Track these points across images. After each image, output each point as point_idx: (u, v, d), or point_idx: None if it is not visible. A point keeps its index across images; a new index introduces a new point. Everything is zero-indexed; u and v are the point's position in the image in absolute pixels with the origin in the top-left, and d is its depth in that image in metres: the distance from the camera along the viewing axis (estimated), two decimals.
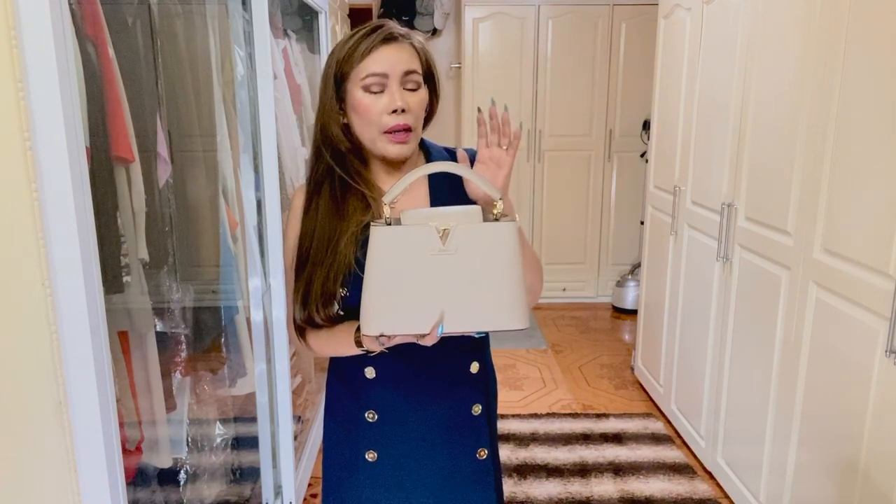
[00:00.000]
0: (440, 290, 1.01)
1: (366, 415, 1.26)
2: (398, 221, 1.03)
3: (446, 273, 1.01)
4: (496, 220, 1.03)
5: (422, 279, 1.01)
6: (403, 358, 1.21)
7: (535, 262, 1.25)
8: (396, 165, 1.23)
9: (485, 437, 1.30)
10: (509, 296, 1.02)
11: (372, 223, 1.04)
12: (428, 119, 1.27)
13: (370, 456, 1.26)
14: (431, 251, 1.00)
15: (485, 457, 1.30)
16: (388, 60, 1.14)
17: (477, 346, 1.30)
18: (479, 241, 1.01)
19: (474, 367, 1.29)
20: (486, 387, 1.32)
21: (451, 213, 1.03)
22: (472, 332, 1.06)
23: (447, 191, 1.23)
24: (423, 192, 1.25)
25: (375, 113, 1.15)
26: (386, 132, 1.15)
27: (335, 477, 1.31)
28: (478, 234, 1.01)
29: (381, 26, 1.16)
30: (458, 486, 1.29)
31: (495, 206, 1.04)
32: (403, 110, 1.14)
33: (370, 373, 1.24)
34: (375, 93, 1.15)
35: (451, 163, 1.07)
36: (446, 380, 1.26)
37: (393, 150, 1.17)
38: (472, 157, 1.29)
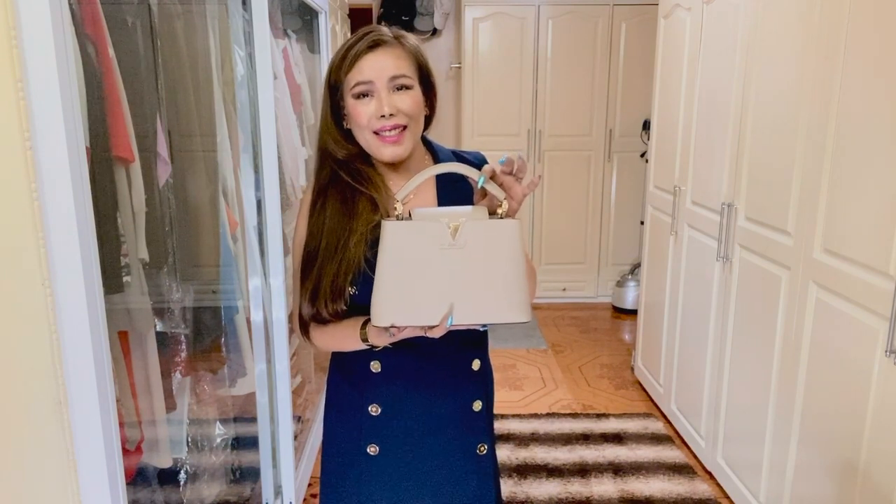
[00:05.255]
0: (449, 283, 1.06)
1: (369, 408, 1.27)
2: (409, 218, 1.08)
3: (455, 267, 1.06)
4: (501, 218, 1.08)
5: (431, 272, 1.06)
6: (409, 352, 1.23)
7: (530, 269, 1.26)
8: (403, 166, 1.25)
9: (485, 433, 1.32)
10: (513, 290, 1.07)
11: (383, 219, 1.08)
12: (429, 119, 1.28)
13: (372, 450, 1.27)
14: (442, 245, 1.05)
15: (485, 452, 1.32)
16: (374, 67, 1.16)
17: (479, 343, 1.32)
18: (486, 236, 1.06)
19: (476, 365, 1.31)
20: (485, 384, 1.35)
21: (460, 212, 1.08)
22: (477, 324, 1.11)
23: (453, 193, 1.25)
24: (431, 193, 1.27)
25: (365, 118, 1.17)
26: (376, 133, 1.17)
27: (335, 470, 1.32)
28: (485, 229, 1.06)
29: (369, 32, 1.19)
30: (459, 480, 1.30)
31: (500, 206, 1.08)
32: (392, 115, 1.16)
33: (376, 366, 1.25)
34: (365, 97, 1.17)
35: (460, 164, 1.11)
36: (449, 375, 1.28)
37: (387, 151, 1.19)
38: (479, 162, 1.29)
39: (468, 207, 1.10)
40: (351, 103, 1.18)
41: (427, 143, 1.31)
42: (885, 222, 1.62)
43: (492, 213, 1.10)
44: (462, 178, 1.24)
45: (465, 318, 1.07)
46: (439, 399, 1.28)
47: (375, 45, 1.17)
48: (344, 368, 1.31)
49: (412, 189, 1.08)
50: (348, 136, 1.24)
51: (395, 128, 1.17)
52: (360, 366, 1.26)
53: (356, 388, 1.28)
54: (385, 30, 1.20)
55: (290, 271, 2.03)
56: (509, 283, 1.07)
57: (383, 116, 1.16)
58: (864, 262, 1.70)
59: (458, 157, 1.30)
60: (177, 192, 1.80)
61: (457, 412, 1.29)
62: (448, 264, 1.06)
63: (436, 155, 1.30)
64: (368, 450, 1.28)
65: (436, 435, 1.28)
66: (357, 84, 1.17)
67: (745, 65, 2.33)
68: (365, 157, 1.25)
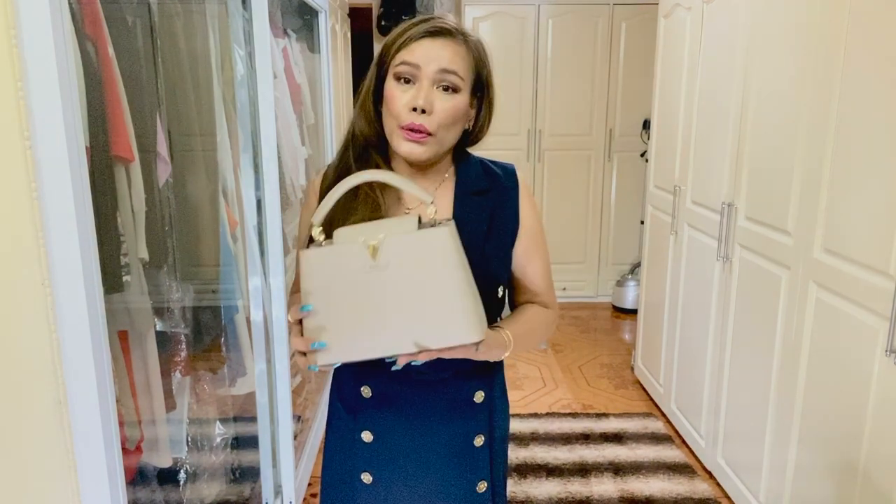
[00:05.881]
0: (380, 309, 0.95)
1: (362, 435, 1.21)
2: (330, 243, 0.98)
3: (383, 290, 0.94)
4: (432, 226, 0.96)
5: (359, 300, 0.95)
6: (400, 380, 1.16)
7: (545, 319, 1.22)
8: (421, 167, 1.16)
9: (485, 470, 1.23)
10: (455, 307, 0.94)
11: (301, 249, 0.99)
12: (475, 134, 1.19)
13: (365, 478, 1.22)
14: (363, 269, 0.94)
15: (484, 490, 1.23)
16: (426, 53, 1.07)
17: (484, 372, 1.22)
18: (411, 252, 0.94)
19: (478, 397, 1.21)
20: (491, 416, 1.24)
21: (384, 225, 0.96)
22: (425, 349, 0.97)
23: (472, 202, 1.17)
24: (448, 199, 1.18)
25: (397, 105, 1.07)
26: (402, 127, 1.08)
27: (332, 497, 1.28)
28: (408, 244, 0.94)
29: (433, 18, 1.10)
30: None
31: (429, 212, 0.98)
32: (424, 111, 1.06)
33: (366, 392, 1.20)
34: (406, 83, 1.08)
35: (382, 171, 1.01)
36: (446, 407, 1.20)
37: (404, 147, 1.09)
38: (510, 174, 1.22)
39: (396, 219, 0.98)
40: (390, 84, 1.09)
41: (464, 154, 1.21)
42: (885, 222, 1.62)
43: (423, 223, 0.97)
44: (485, 185, 1.17)
45: (403, 347, 0.95)
46: (434, 431, 1.20)
47: (437, 32, 1.08)
48: (340, 391, 1.26)
49: (327, 210, 0.98)
50: (379, 118, 1.14)
51: (420, 131, 1.07)
52: (353, 390, 1.21)
53: (350, 412, 1.23)
54: (451, 21, 1.11)
55: (291, 270, 2.03)
56: (448, 300, 0.94)
57: (414, 110, 1.06)
58: (864, 261, 1.70)
59: (486, 166, 1.22)
60: (177, 191, 1.81)
61: (454, 446, 1.21)
62: (375, 289, 0.94)
63: (460, 164, 1.20)
64: (362, 478, 1.22)
65: (430, 469, 1.20)
66: (402, 63, 1.07)
67: (745, 65, 2.33)
68: (385, 149, 1.16)
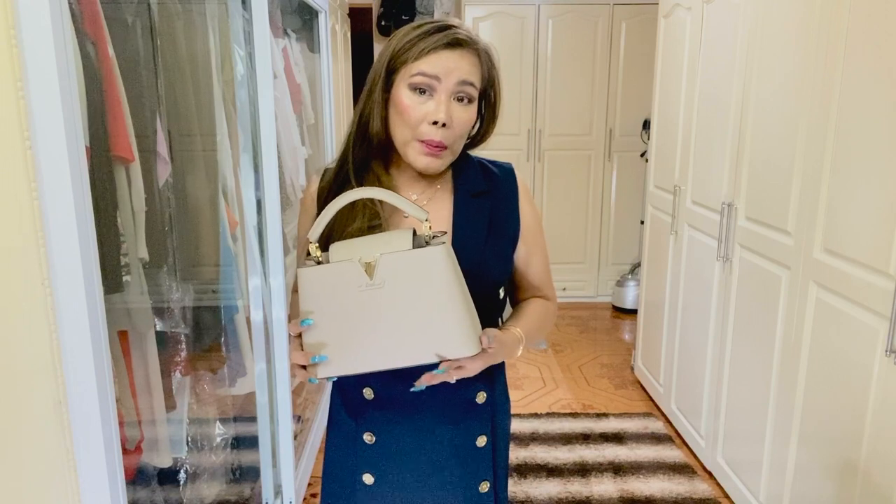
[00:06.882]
0: (378, 325, 0.97)
1: (364, 436, 1.21)
2: (327, 259, 0.99)
3: (380, 307, 0.96)
4: (427, 243, 0.97)
5: (356, 316, 0.97)
6: (401, 381, 1.15)
7: (546, 313, 1.23)
8: (427, 174, 1.17)
9: (488, 470, 1.24)
10: (450, 323, 0.96)
11: (298, 267, 1.01)
12: (478, 140, 1.20)
13: (367, 479, 1.22)
14: (360, 287, 0.97)
15: (486, 490, 1.24)
16: (446, 65, 1.06)
17: (486, 373, 1.19)
18: (406, 270, 0.96)
19: (481, 398, 1.22)
20: (493, 416, 1.24)
21: (380, 240, 0.98)
22: (419, 364, 0.99)
23: (471, 205, 1.17)
24: (447, 203, 1.18)
25: (415, 117, 1.07)
26: (420, 140, 1.08)
27: (333, 497, 1.28)
28: (404, 263, 0.96)
29: (448, 27, 1.09)
30: None
31: (423, 228, 0.98)
32: (445, 125, 1.06)
33: (368, 393, 1.20)
34: (422, 94, 1.07)
35: (376, 189, 1.01)
36: (448, 408, 1.20)
37: (422, 161, 1.09)
38: (508, 174, 1.22)
39: (392, 233, 0.99)
40: (404, 93, 1.07)
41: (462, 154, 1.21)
42: (885, 222, 1.62)
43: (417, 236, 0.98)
44: (484, 187, 1.18)
45: (400, 361, 0.97)
46: (436, 432, 1.20)
47: (456, 44, 1.07)
48: (342, 392, 1.26)
49: (323, 227, 0.99)
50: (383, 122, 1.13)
51: (439, 146, 1.08)
52: (355, 391, 1.21)
53: (352, 414, 1.23)
54: (463, 29, 1.10)
55: (291, 270, 2.03)
56: (443, 315, 0.95)
57: (435, 123, 1.06)
58: (864, 261, 1.70)
59: (485, 167, 1.22)
60: (176, 191, 1.80)
61: (456, 447, 1.21)
62: (372, 305, 0.96)
63: (459, 165, 1.20)
64: (364, 479, 1.22)
65: (433, 469, 1.21)
66: (419, 74, 1.06)
67: (745, 64, 2.33)
68: (385, 154, 1.16)
